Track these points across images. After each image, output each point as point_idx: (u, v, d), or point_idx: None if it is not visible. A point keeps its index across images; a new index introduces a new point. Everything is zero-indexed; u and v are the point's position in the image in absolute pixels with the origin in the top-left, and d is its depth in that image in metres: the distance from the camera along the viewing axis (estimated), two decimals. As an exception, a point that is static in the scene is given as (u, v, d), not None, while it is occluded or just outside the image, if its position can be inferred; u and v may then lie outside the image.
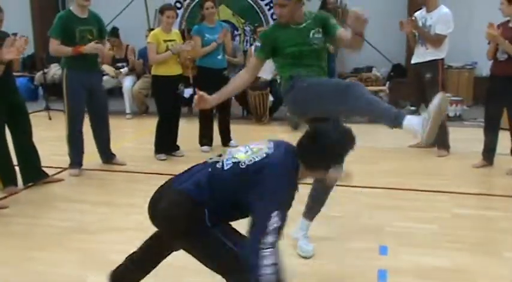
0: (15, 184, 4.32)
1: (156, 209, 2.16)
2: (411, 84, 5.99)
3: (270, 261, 1.87)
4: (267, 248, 1.88)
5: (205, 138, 5.78)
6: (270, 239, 1.89)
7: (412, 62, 5.61)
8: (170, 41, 5.28)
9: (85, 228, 3.57)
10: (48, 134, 6.11)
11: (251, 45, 8.32)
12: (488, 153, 4.99)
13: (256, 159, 2.06)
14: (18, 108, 4.26)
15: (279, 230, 1.92)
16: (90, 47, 4.58)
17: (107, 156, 5.13)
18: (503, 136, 4.99)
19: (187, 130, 5.94)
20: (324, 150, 2.07)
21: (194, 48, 5.50)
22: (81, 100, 4.74)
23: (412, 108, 7.88)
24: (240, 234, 2.08)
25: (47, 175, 4.56)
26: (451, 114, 7.54)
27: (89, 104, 4.85)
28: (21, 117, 4.30)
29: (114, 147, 5.22)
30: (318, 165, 2.12)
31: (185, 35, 6.67)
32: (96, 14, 4.85)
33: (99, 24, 4.82)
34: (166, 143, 5.45)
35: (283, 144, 2.16)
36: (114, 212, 3.84)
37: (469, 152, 5.31)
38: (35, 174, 4.46)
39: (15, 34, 4.49)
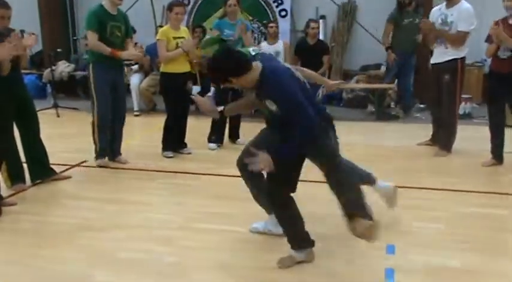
0: (24, 181, 4.34)
1: None
2: (424, 84, 5.91)
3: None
4: None
5: (214, 135, 5.78)
6: None
7: (432, 62, 5.43)
8: (180, 38, 5.27)
9: (93, 225, 3.58)
10: (57, 132, 6.13)
11: (259, 43, 8.30)
12: (497, 151, 4.95)
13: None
14: (26, 106, 4.27)
15: None
16: (127, 54, 4.86)
17: (115, 152, 5.16)
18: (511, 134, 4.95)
19: (195, 128, 5.94)
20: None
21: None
22: (107, 94, 4.85)
23: (422, 106, 7.85)
24: None
25: (54, 172, 4.57)
26: (461, 112, 7.48)
27: (110, 98, 4.93)
28: (29, 114, 4.31)
29: (121, 144, 5.24)
30: None
31: (193, 31, 6.68)
32: (123, 12, 5.02)
33: (126, 23, 4.94)
34: (173, 141, 5.45)
35: None
36: (122, 209, 3.85)
37: (478, 150, 5.27)
38: (42, 172, 4.48)
39: (22, 31, 4.50)
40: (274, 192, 2.86)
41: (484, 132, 5.19)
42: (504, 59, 4.71)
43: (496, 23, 4.63)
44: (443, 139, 5.39)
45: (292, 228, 2.95)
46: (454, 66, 5.15)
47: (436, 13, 5.30)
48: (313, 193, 3.65)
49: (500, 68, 4.75)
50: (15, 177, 4.27)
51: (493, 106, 4.96)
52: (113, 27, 4.76)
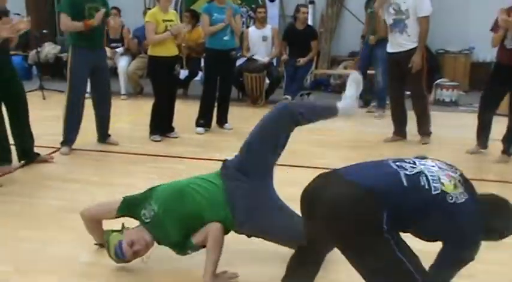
0: (10, 163, 4.30)
1: (323, 201, 1.97)
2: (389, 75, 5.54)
3: None
4: None
5: (203, 119, 5.76)
6: None
7: (391, 50, 5.21)
8: (169, 21, 5.21)
9: (78, 207, 3.52)
10: (42, 114, 6.05)
11: (248, 27, 8.26)
12: (482, 138, 4.98)
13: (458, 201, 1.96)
14: (13, 88, 4.22)
15: None
16: (98, 17, 4.64)
17: (104, 135, 5.13)
18: (499, 121, 4.99)
19: (183, 112, 5.91)
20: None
21: (202, 27, 5.47)
22: (84, 78, 4.79)
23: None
24: (413, 252, 1.99)
25: (38, 155, 4.55)
26: (447, 99, 7.55)
27: (93, 82, 4.91)
28: (16, 96, 4.27)
29: (109, 127, 5.20)
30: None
31: (182, 15, 6.62)
32: None
33: (104, 3, 4.85)
34: (161, 124, 5.43)
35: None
36: (108, 192, 3.83)
37: (463, 138, 5.32)
38: (27, 155, 4.45)
39: (18, 14, 4.44)
40: None
41: (470, 120, 5.24)
42: (510, 49, 4.56)
43: (506, 12, 4.47)
44: (421, 127, 5.36)
45: None
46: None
47: (387, 3, 5.07)
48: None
49: (508, 60, 4.58)
50: (1, 158, 4.23)
51: (490, 93, 4.84)
52: (91, 9, 4.65)
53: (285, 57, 7.46)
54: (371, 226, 1.89)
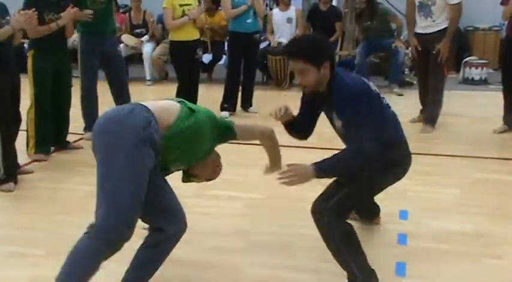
0: (48, 152, 4.40)
1: None
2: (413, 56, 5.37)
3: None
4: None
5: (227, 103, 5.76)
6: None
7: (418, 31, 5.01)
8: (186, 5, 5.21)
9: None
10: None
11: (271, 9, 8.19)
12: (509, 118, 4.89)
13: None
14: (64, 75, 4.41)
15: None
16: (82, 14, 4.47)
17: None
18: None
19: (206, 96, 5.93)
20: None
21: (224, 10, 5.43)
22: (94, 64, 4.81)
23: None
24: None
25: (68, 143, 4.67)
26: (476, 78, 7.38)
27: (106, 69, 4.93)
28: (63, 85, 4.42)
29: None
30: None
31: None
32: None
33: None
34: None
35: None
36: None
37: (492, 116, 5.20)
38: (61, 142, 4.58)
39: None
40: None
41: (500, 98, 5.11)
42: None
43: None
44: (428, 112, 5.12)
45: (358, 260, 2.39)
46: (442, 37, 4.81)
47: None
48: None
49: None
50: (40, 146, 4.32)
51: (508, 73, 4.83)
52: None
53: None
54: None
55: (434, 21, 4.84)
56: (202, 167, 2.53)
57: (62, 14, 4.24)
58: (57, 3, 4.28)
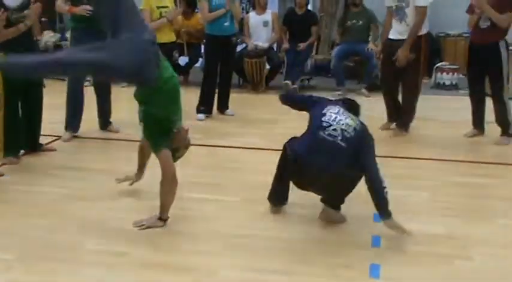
0: (17, 155, 4.29)
1: None
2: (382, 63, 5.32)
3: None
4: None
5: (203, 106, 5.75)
6: None
7: (390, 37, 5.00)
8: (163, 7, 5.20)
9: (82, 195, 3.59)
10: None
11: (248, 12, 8.21)
12: (478, 122, 5.01)
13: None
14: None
15: None
16: (81, 9, 4.58)
17: (106, 122, 5.15)
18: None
19: (182, 98, 5.83)
20: None
21: (201, 13, 5.44)
22: None
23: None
24: None
25: (41, 145, 4.58)
26: (447, 83, 7.53)
27: None
28: (34, 86, 4.32)
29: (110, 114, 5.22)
30: None
31: (178, 1, 6.57)
32: None
33: None
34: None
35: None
36: (112, 179, 3.85)
37: (463, 121, 5.30)
38: (33, 145, 4.48)
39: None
40: None
41: (470, 103, 5.22)
42: (484, 29, 4.66)
43: None
44: (401, 117, 5.14)
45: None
46: (418, 44, 4.83)
47: None
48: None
49: (481, 39, 4.70)
50: (9, 149, 4.23)
51: (472, 77, 4.93)
52: None
53: (285, 46, 7.44)
54: None
55: (408, 25, 4.84)
56: (177, 139, 3.16)
57: (26, 12, 4.08)
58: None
